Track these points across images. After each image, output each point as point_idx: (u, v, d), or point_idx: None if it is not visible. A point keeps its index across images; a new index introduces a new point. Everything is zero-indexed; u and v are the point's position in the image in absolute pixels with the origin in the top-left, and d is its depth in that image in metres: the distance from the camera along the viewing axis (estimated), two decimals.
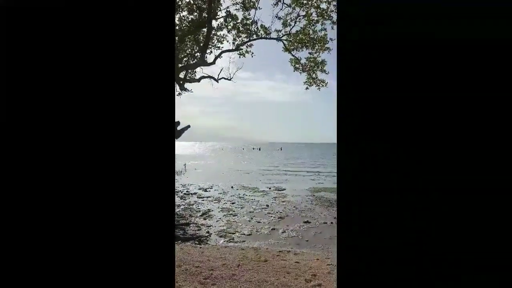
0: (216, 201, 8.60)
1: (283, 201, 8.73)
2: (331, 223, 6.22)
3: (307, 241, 5.09)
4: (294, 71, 7.07)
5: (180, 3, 6.31)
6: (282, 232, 5.56)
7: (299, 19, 6.55)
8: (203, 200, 8.79)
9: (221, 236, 5.31)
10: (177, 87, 6.79)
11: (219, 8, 6.56)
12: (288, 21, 6.59)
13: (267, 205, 8.05)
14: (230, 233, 5.49)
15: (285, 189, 11.17)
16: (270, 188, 11.33)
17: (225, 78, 7.50)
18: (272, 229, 5.75)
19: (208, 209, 7.47)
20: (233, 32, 6.82)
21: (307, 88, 7.39)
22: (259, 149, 66.51)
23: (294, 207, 7.92)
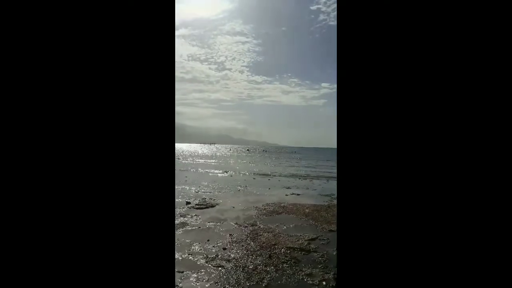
0: None
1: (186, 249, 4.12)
2: None
3: None
4: None
5: None
6: None
7: None
8: None
9: None
10: None
11: None
12: None
13: None
14: None
15: (218, 204, 6.49)
16: (193, 203, 6.70)
17: None
18: None
19: None
20: None
21: None
22: (265, 151, 66.88)
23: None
